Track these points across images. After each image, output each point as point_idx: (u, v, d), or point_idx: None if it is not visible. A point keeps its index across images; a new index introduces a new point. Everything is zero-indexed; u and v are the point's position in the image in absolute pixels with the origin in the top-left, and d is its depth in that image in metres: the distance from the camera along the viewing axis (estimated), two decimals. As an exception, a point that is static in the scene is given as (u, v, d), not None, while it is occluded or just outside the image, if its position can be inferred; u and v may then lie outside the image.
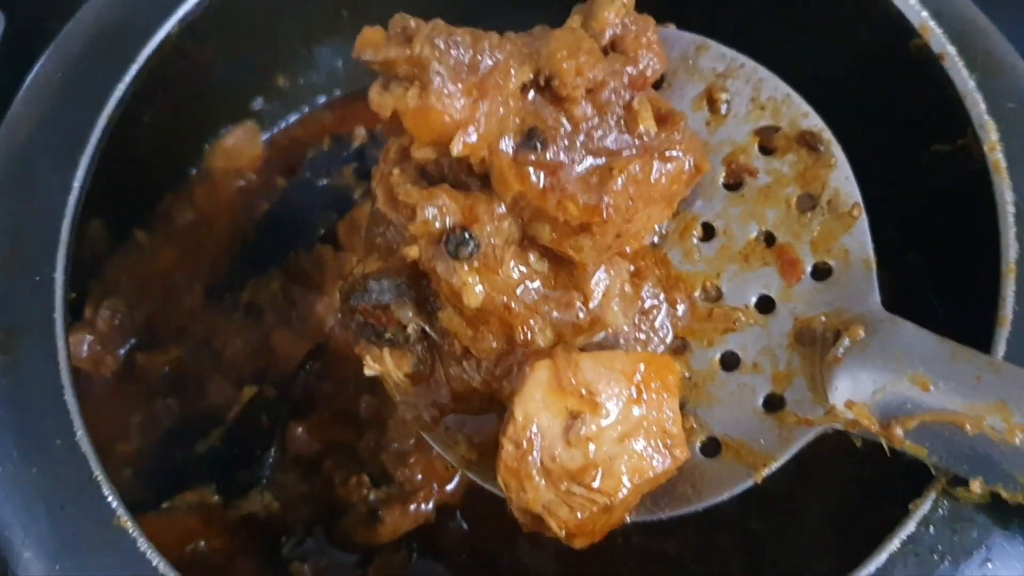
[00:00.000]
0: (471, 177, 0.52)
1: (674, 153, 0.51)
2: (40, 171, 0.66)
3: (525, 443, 0.49)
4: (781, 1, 0.78)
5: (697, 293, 0.57)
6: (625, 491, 0.50)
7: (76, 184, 0.66)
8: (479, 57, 0.49)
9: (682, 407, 0.54)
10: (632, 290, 0.55)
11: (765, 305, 0.56)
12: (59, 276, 0.63)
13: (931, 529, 0.54)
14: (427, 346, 0.55)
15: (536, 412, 0.49)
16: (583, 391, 0.49)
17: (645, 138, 0.51)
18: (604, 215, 0.50)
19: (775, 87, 0.59)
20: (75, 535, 0.57)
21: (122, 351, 0.80)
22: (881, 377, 0.52)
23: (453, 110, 0.48)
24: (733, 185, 0.58)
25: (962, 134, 0.65)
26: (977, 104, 0.64)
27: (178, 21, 0.72)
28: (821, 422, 0.53)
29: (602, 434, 0.49)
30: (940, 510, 0.54)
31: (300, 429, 0.75)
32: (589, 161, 0.50)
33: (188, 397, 0.80)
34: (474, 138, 0.49)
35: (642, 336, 0.55)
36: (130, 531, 0.57)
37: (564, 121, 0.50)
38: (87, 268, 0.81)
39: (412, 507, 0.69)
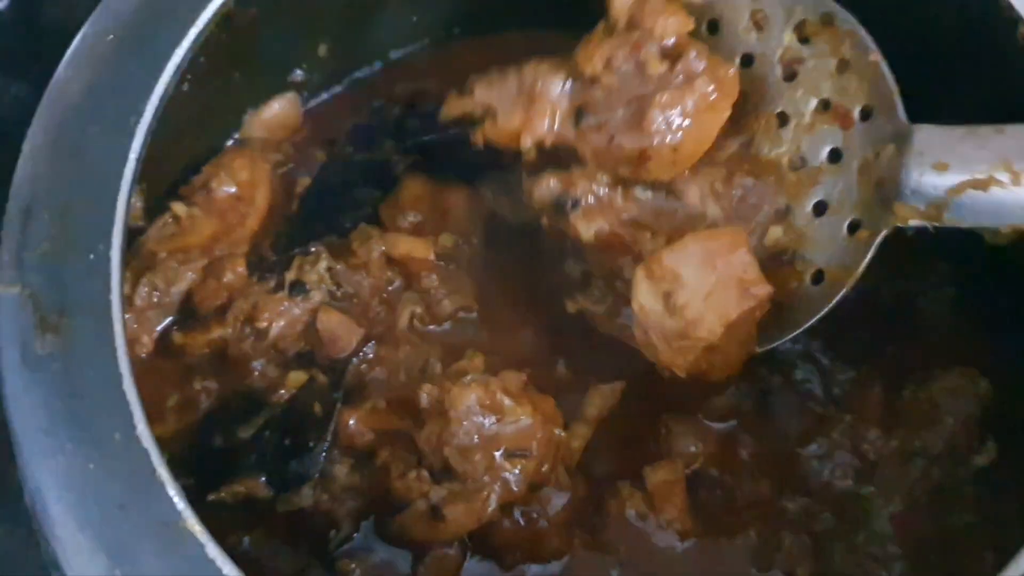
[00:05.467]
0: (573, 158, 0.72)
1: (697, 84, 0.67)
2: (93, 139, 0.63)
3: (646, 325, 0.69)
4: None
5: (785, 165, 0.71)
6: (718, 331, 0.67)
7: (132, 155, 0.63)
8: (523, 82, 0.72)
9: (792, 253, 0.71)
10: (723, 187, 0.71)
11: (835, 156, 0.71)
12: (115, 254, 0.60)
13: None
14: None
15: (645, 301, 0.68)
16: (669, 275, 0.67)
17: (660, 79, 0.68)
18: (652, 143, 0.67)
19: None
20: (136, 538, 0.53)
21: (159, 328, 0.76)
22: (914, 175, 0.64)
23: (513, 123, 0.72)
24: (789, 76, 0.72)
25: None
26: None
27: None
28: (886, 225, 0.66)
29: (690, 300, 0.67)
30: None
31: (352, 419, 0.72)
32: (622, 111, 0.69)
33: (229, 379, 0.76)
34: (533, 136, 0.71)
35: (742, 216, 0.71)
36: (198, 535, 0.53)
37: (598, 93, 0.70)
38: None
39: (477, 505, 0.66)
